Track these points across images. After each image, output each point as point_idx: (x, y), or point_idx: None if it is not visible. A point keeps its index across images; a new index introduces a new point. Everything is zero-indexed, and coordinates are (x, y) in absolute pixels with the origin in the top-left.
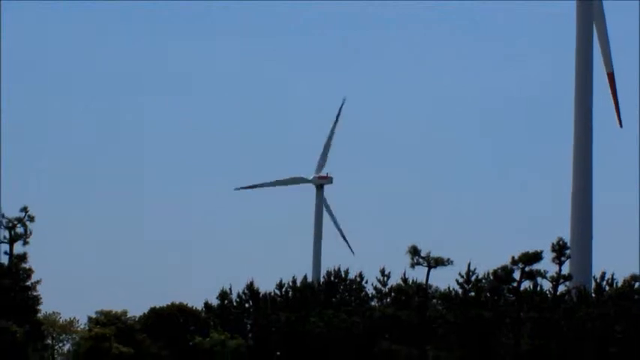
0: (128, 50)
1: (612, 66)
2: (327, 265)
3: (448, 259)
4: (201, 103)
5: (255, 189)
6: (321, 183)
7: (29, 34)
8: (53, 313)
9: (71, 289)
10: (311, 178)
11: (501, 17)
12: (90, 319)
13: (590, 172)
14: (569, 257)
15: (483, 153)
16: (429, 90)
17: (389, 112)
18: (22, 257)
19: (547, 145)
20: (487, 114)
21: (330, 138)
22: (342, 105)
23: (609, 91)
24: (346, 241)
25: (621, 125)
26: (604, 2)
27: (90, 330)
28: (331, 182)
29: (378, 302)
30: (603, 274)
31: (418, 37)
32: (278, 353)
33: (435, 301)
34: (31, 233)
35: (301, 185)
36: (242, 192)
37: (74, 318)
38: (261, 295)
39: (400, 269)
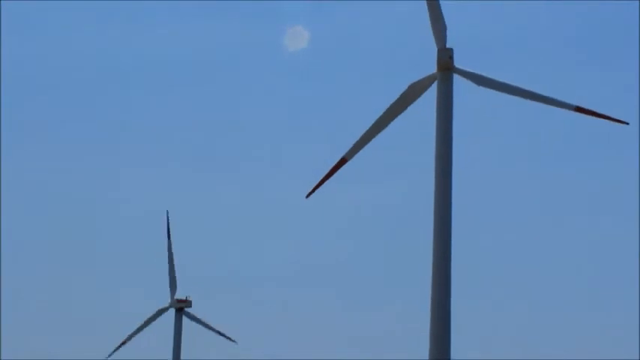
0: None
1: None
2: None
3: None
4: None
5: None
6: (180, 306)
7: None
8: None
9: None
10: (169, 302)
11: None
12: None
13: (448, 300)
14: None
15: (339, 281)
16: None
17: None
18: None
19: (404, 272)
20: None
21: (170, 257)
22: (167, 220)
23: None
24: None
25: (307, 197)
26: None
27: None
28: (190, 306)
29: None
30: None
31: None
32: None
33: None
34: None
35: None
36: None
37: None
38: None
39: None
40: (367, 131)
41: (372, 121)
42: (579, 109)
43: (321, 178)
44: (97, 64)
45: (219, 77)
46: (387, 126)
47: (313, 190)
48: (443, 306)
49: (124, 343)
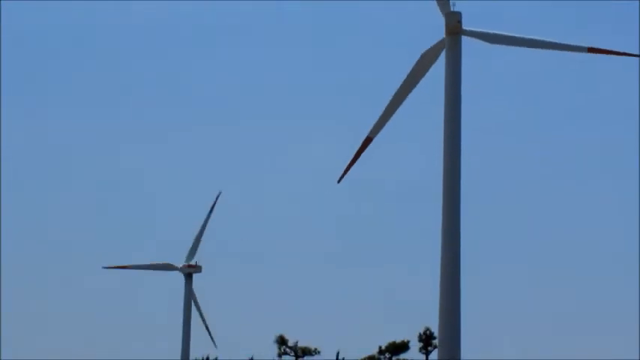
0: None
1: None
2: (196, 354)
3: (315, 349)
4: None
5: (124, 269)
6: (189, 272)
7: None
8: None
9: None
10: (180, 266)
11: None
12: None
13: (458, 259)
14: (436, 347)
15: (350, 239)
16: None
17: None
18: None
19: (414, 231)
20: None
21: (202, 230)
22: (217, 198)
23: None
24: (209, 332)
25: (339, 181)
26: None
27: None
28: (200, 271)
29: None
30: None
31: None
32: None
33: None
34: None
35: (169, 273)
36: (110, 274)
37: None
38: None
39: (268, 359)
40: (387, 107)
41: (389, 97)
42: (592, 50)
43: (350, 160)
44: (95, 39)
45: (220, 50)
46: (405, 98)
47: (344, 174)
48: (452, 305)
49: (125, 267)
